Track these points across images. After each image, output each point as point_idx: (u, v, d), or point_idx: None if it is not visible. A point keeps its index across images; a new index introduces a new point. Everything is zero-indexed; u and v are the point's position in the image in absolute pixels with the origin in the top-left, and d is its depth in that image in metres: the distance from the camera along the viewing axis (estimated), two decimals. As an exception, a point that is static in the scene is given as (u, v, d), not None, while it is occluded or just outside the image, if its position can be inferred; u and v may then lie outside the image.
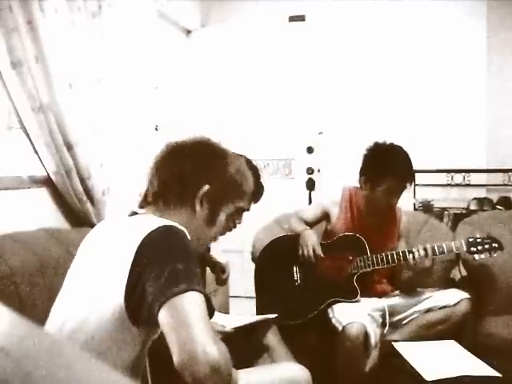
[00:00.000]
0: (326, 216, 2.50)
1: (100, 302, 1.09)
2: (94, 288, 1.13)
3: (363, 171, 2.37)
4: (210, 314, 1.06)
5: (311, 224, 2.50)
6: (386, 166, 2.26)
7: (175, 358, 0.95)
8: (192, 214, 1.27)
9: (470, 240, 2.24)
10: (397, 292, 2.40)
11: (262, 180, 2.13)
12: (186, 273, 1.04)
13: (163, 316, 0.99)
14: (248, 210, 2.07)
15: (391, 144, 2.33)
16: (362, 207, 2.43)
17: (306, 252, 2.35)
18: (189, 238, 1.15)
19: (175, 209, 1.26)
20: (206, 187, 1.26)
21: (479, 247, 2.23)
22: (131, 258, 1.07)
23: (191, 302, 1.00)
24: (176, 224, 1.16)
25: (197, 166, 1.28)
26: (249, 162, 2.09)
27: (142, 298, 1.04)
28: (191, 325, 0.96)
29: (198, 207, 1.26)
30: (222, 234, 2.06)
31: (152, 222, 1.15)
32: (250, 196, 2.01)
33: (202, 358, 0.93)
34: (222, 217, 1.33)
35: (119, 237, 1.18)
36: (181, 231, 1.14)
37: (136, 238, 1.09)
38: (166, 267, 1.03)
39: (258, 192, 2.06)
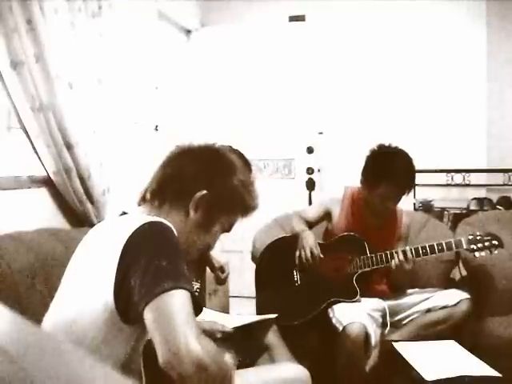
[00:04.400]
0: (327, 215, 2.49)
1: (92, 300, 1.10)
2: (86, 286, 1.13)
3: (363, 172, 2.36)
4: (198, 311, 1.06)
5: (313, 223, 2.50)
6: (384, 172, 2.23)
7: (160, 357, 0.95)
8: (185, 217, 1.25)
9: (470, 237, 2.22)
10: (397, 292, 2.40)
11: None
12: (170, 270, 1.03)
13: (148, 315, 0.99)
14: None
15: (395, 148, 2.29)
16: (362, 207, 2.43)
17: (303, 255, 2.35)
18: (176, 235, 1.14)
19: (170, 209, 1.25)
20: (204, 192, 1.24)
21: (479, 245, 2.21)
22: (118, 256, 1.07)
23: (175, 301, 0.99)
24: (163, 220, 1.15)
25: (198, 170, 1.27)
26: (246, 162, 2.08)
27: (130, 297, 1.04)
28: (175, 324, 0.96)
29: (191, 211, 1.25)
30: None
31: (139, 219, 1.14)
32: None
33: (185, 356, 0.93)
34: (217, 227, 1.31)
35: (108, 235, 1.18)
36: (167, 227, 1.13)
37: (123, 235, 1.10)
38: (150, 265, 1.03)
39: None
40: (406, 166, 2.25)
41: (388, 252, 2.28)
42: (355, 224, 2.41)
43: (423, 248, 2.23)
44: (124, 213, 1.30)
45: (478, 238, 2.22)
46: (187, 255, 1.32)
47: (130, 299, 1.04)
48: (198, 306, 1.07)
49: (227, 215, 1.32)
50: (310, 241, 2.36)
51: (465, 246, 2.22)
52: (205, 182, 1.26)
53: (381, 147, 2.32)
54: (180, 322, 0.97)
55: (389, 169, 2.23)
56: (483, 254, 2.21)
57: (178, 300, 1.00)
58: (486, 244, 2.21)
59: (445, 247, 2.22)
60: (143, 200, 1.31)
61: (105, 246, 1.15)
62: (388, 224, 2.44)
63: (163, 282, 1.00)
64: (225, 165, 1.31)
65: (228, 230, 1.42)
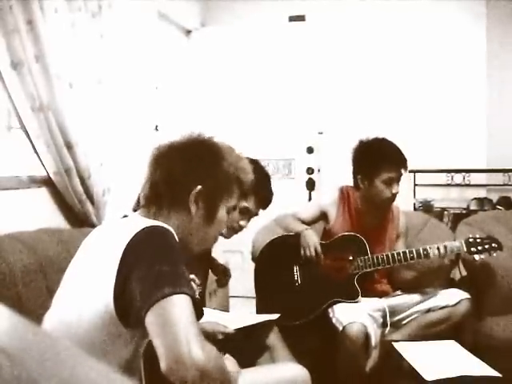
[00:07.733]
0: (323, 216, 2.50)
1: (91, 303, 1.09)
2: (86, 289, 1.13)
3: (358, 169, 2.39)
4: (199, 316, 1.05)
5: (307, 224, 2.50)
6: (379, 157, 2.31)
7: (162, 363, 0.94)
8: (187, 217, 1.24)
9: (470, 240, 2.25)
10: (397, 292, 2.40)
11: (271, 186, 2.11)
12: (171, 275, 1.02)
13: (149, 320, 0.98)
14: (256, 214, 2.06)
15: (376, 137, 2.40)
16: (359, 206, 2.43)
17: (308, 252, 2.35)
18: (176, 238, 1.13)
19: (169, 213, 1.24)
20: (199, 188, 1.22)
21: (479, 247, 2.24)
22: (118, 260, 1.06)
23: (176, 306, 0.98)
24: (163, 224, 1.14)
25: (186, 166, 1.24)
26: (260, 166, 2.07)
27: (130, 301, 1.03)
28: (176, 329, 0.95)
29: (192, 209, 1.23)
30: (228, 236, 2.03)
31: (139, 222, 1.14)
32: (257, 199, 1.99)
33: (188, 362, 0.92)
34: (222, 213, 1.29)
35: (108, 239, 1.18)
36: (167, 231, 1.12)
37: (123, 239, 1.09)
38: (151, 270, 1.02)
39: (267, 197, 2.06)
40: (394, 147, 2.35)
41: (389, 253, 2.29)
42: (353, 223, 2.41)
43: (424, 250, 2.24)
44: (125, 216, 1.29)
45: (478, 240, 2.25)
46: (202, 247, 1.32)
47: (130, 304, 1.03)
48: (199, 311, 1.06)
49: (228, 198, 1.30)
50: (313, 239, 2.37)
51: (465, 249, 2.25)
52: (196, 177, 1.24)
53: (363, 141, 2.42)
54: (182, 328, 0.96)
55: (382, 153, 2.32)
56: (483, 256, 2.24)
57: (179, 305, 0.99)
58: (486, 247, 2.24)
59: (445, 250, 2.25)
60: (139, 205, 1.30)
61: (105, 249, 1.15)
62: (386, 221, 2.45)
63: (164, 287, 0.99)
64: (211, 153, 1.28)
65: (243, 218, 1.38)
